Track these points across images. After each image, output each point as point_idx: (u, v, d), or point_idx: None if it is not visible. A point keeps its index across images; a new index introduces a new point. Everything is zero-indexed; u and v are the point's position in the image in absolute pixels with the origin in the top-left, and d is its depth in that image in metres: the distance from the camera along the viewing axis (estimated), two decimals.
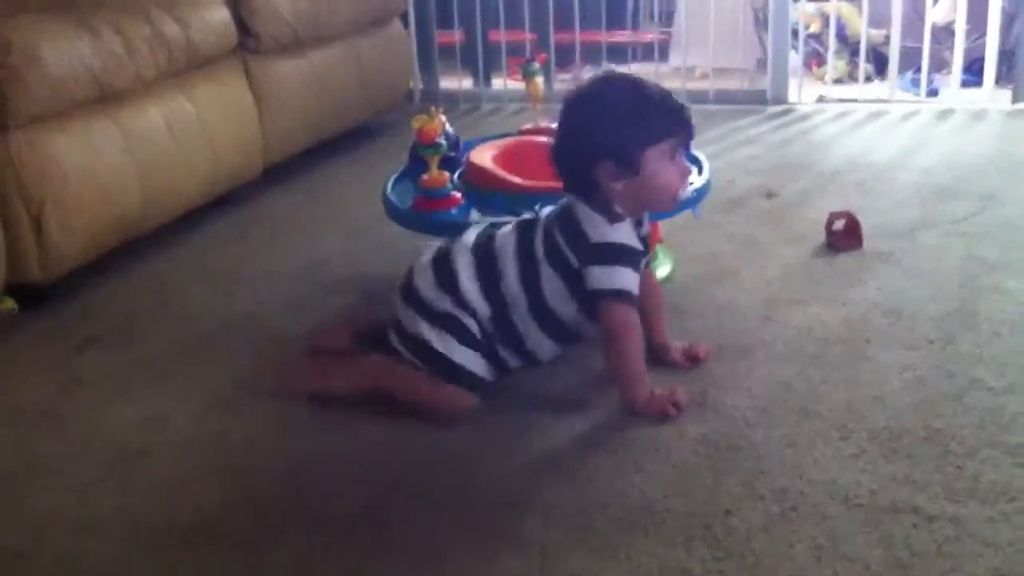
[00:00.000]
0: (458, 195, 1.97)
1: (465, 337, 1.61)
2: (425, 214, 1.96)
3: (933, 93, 3.74)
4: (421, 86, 4.07)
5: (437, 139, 1.93)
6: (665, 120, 1.57)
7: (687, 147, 1.63)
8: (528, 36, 3.97)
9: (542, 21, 4.00)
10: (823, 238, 2.25)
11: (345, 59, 3.27)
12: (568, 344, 1.69)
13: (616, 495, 1.38)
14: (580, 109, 1.60)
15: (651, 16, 5.01)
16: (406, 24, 3.85)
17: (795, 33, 3.83)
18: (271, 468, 1.52)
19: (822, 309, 1.92)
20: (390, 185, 2.11)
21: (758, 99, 3.74)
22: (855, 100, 3.70)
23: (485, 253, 1.64)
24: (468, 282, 1.61)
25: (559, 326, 1.64)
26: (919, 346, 1.75)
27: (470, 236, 1.67)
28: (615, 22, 4.52)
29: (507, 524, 1.34)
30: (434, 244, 1.70)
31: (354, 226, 2.56)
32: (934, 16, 3.83)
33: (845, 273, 2.08)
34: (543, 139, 1.98)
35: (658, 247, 2.13)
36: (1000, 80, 3.61)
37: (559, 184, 1.64)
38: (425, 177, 1.96)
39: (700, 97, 3.77)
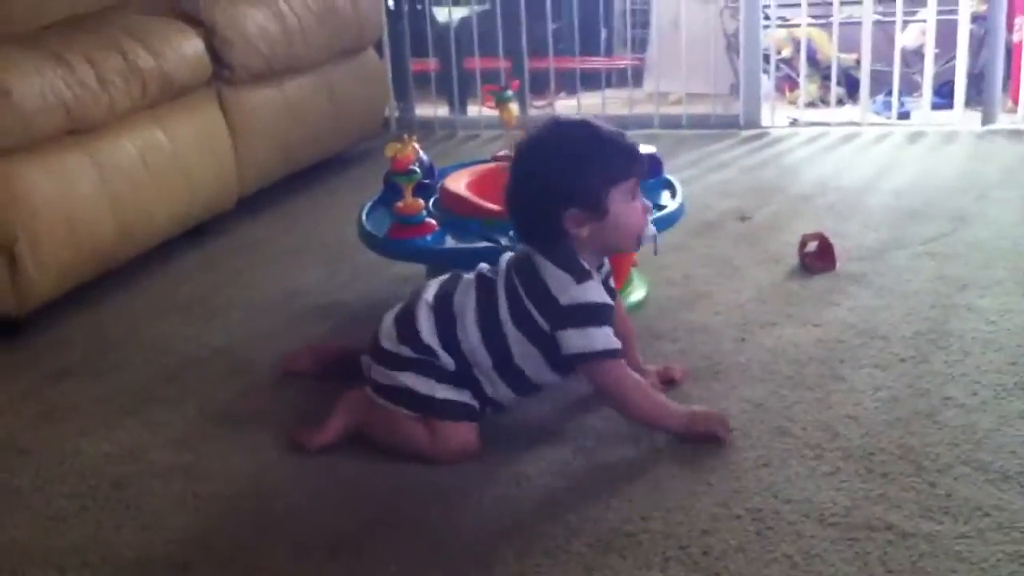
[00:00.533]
0: (433, 222, 1.97)
1: (442, 375, 1.56)
2: (400, 241, 1.96)
3: (904, 116, 3.78)
4: (397, 114, 4.09)
5: (411, 166, 1.93)
6: (625, 159, 1.55)
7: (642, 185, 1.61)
8: (502, 63, 3.99)
9: (516, 48, 4.03)
10: (796, 260, 2.27)
11: (320, 88, 3.27)
12: (531, 395, 1.65)
13: (592, 518, 1.38)
14: (538, 157, 1.56)
15: (624, 43, 5.05)
16: (381, 53, 3.86)
17: (767, 58, 3.87)
18: (246, 498, 1.52)
19: (796, 330, 1.93)
20: (365, 213, 2.11)
21: (731, 123, 3.77)
22: (827, 123, 3.73)
23: (444, 311, 1.58)
24: (429, 338, 1.56)
25: (525, 381, 1.60)
26: (892, 365, 1.76)
27: (430, 291, 1.62)
28: (589, 49, 4.55)
29: (484, 552, 1.34)
30: (398, 304, 1.67)
31: (329, 255, 2.56)
32: (904, 40, 3.88)
33: (818, 294, 2.10)
34: None
35: (633, 271, 2.14)
36: (970, 102, 3.65)
37: None
38: (400, 204, 1.96)
39: (674, 122, 3.80)
